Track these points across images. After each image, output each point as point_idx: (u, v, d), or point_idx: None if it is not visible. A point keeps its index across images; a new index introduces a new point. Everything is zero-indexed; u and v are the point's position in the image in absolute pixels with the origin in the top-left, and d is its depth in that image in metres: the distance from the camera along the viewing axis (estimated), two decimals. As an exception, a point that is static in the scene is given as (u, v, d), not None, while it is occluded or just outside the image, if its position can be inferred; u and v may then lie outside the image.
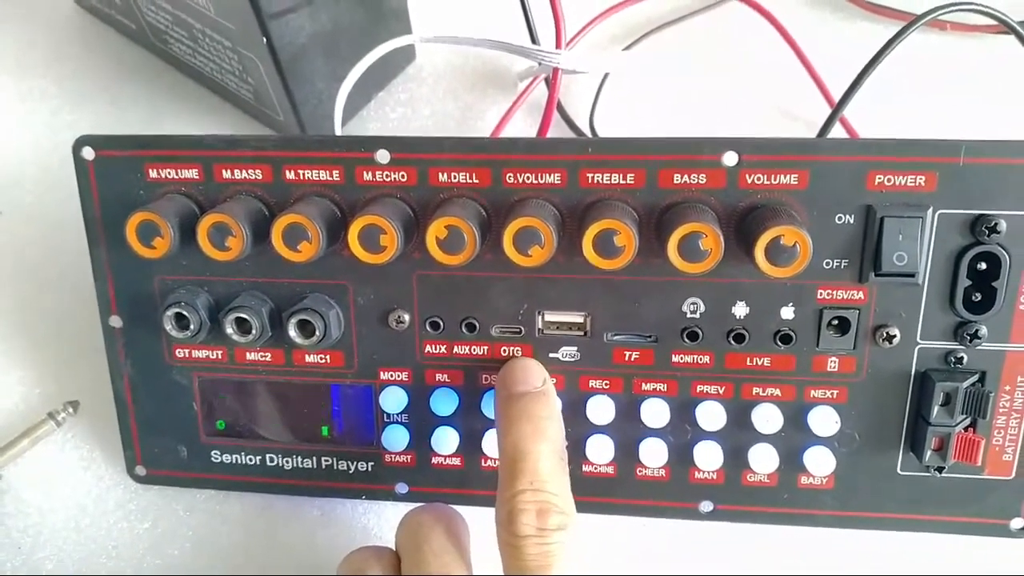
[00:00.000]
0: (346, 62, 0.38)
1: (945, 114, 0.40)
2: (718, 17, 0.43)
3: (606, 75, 0.42)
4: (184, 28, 0.40)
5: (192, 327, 0.32)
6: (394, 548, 0.31)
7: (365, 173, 0.30)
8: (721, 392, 0.31)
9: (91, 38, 0.45)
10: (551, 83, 0.38)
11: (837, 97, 0.38)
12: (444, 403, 0.33)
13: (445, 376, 0.33)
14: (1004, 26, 0.36)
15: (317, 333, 0.31)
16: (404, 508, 0.35)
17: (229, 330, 0.31)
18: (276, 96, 0.39)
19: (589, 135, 0.41)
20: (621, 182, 0.29)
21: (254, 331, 0.31)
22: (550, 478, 0.28)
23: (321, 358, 0.33)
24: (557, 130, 0.42)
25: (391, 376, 0.33)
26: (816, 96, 0.40)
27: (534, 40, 0.38)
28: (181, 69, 0.44)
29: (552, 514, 0.27)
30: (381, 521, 0.36)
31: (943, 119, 0.40)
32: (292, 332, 0.31)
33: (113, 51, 0.45)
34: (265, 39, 0.35)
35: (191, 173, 0.31)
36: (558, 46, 0.37)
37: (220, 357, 0.33)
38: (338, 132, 0.37)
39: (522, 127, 0.42)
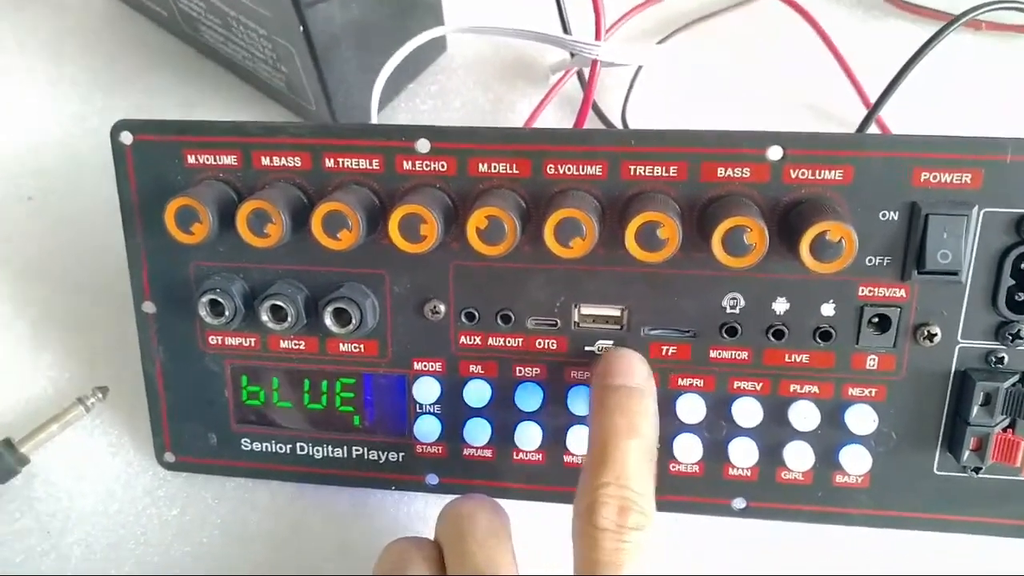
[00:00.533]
0: (377, 52, 0.38)
1: (980, 114, 0.40)
2: (752, 13, 0.43)
3: (639, 69, 0.42)
4: (218, 15, 0.40)
5: (227, 314, 0.32)
6: (434, 539, 0.31)
7: (405, 162, 0.30)
8: (758, 388, 0.31)
9: (123, 26, 0.45)
10: (589, 75, 0.37)
11: (872, 96, 0.38)
12: (477, 395, 0.32)
13: (479, 368, 0.32)
14: (1045, 25, 0.36)
15: (353, 322, 0.31)
16: (434, 499, 0.36)
17: (264, 317, 0.31)
18: (309, 85, 0.39)
19: (622, 128, 0.41)
20: (663, 174, 0.29)
21: (289, 319, 0.31)
22: (636, 476, 0.27)
23: (355, 347, 0.33)
24: (589, 123, 0.42)
25: (425, 366, 0.33)
26: (850, 94, 0.40)
27: (567, 32, 0.38)
28: (213, 57, 0.44)
29: (633, 512, 0.26)
30: (411, 512, 0.36)
31: (978, 119, 0.40)
32: (328, 320, 0.31)
33: (145, 39, 0.45)
34: (302, 27, 0.35)
35: (230, 159, 0.31)
36: (597, 38, 0.36)
37: (253, 344, 0.33)
38: (374, 121, 0.37)
39: (553, 120, 0.42)
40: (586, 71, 0.39)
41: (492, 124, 0.42)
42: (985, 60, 0.41)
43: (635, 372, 0.30)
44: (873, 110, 0.37)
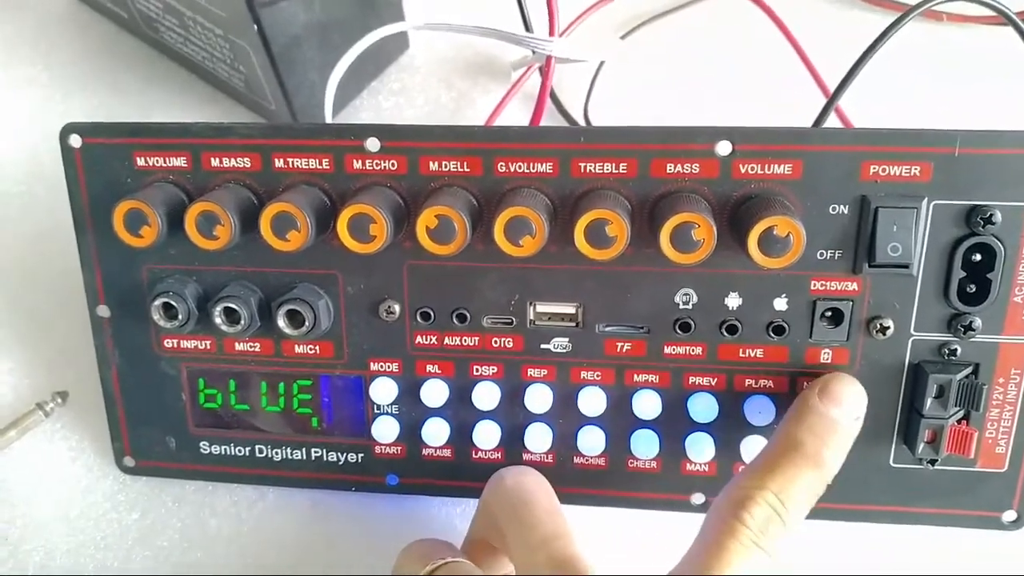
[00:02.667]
0: (339, 51, 0.38)
1: (942, 104, 0.40)
2: (715, 7, 0.43)
3: (601, 64, 0.42)
4: (175, 16, 0.39)
5: (180, 317, 0.31)
6: (478, 514, 0.31)
7: (355, 161, 0.30)
8: (713, 384, 0.31)
9: (83, 26, 0.45)
10: (544, 72, 0.37)
11: (833, 87, 0.37)
12: (435, 394, 0.32)
13: (436, 367, 0.32)
14: (1002, 17, 0.36)
15: (306, 323, 0.31)
16: (395, 499, 0.35)
17: (217, 320, 0.31)
18: (268, 85, 0.38)
19: (583, 124, 0.41)
20: (614, 171, 0.29)
21: (243, 321, 0.31)
22: (797, 500, 0.27)
23: (311, 348, 0.33)
24: (551, 119, 0.42)
25: (381, 367, 0.32)
26: (812, 86, 0.40)
27: (528, 28, 0.38)
28: (173, 58, 0.44)
29: (777, 526, 0.26)
30: (372, 513, 0.36)
31: (940, 109, 0.40)
32: (281, 322, 0.31)
33: (105, 39, 0.45)
34: (256, 26, 0.35)
35: (179, 161, 0.31)
36: (551, 34, 0.36)
37: (209, 347, 0.33)
38: (329, 121, 0.36)
39: (516, 116, 0.42)
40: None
41: (455, 121, 0.42)
42: (947, 50, 0.41)
43: (849, 405, 0.29)
44: (831, 101, 0.37)
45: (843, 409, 0.29)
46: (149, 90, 0.43)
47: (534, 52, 0.38)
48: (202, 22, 0.38)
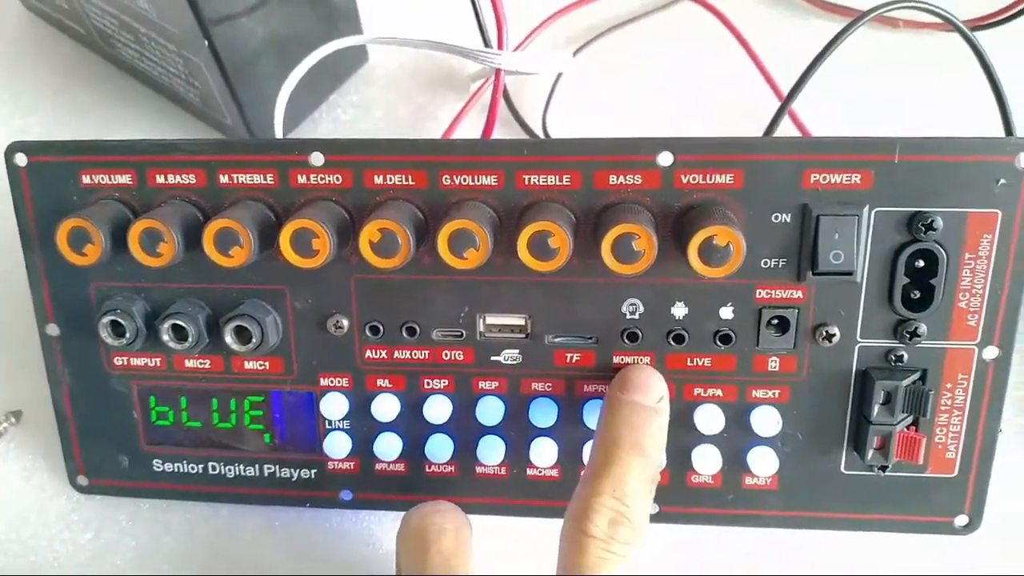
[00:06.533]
0: (295, 65, 0.37)
1: (895, 108, 0.40)
2: (672, 17, 0.43)
3: (559, 76, 0.42)
4: (129, 32, 0.39)
5: (128, 335, 0.31)
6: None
7: (299, 176, 0.30)
8: (663, 393, 0.31)
9: (41, 43, 0.45)
10: (495, 84, 0.37)
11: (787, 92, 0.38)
12: (386, 409, 0.32)
13: (386, 381, 0.32)
14: (949, 24, 0.36)
15: (254, 340, 0.31)
16: (350, 514, 0.35)
17: (165, 337, 0.31)
18: (222, 99, 0.38)
19: (542, 136, 0.41)
20: (558, 183, 0.29)
21: (190, 338, 0.31)
22: (633, 492, 0.27)
23: (260, 364, 0.32)
24: (510, 130, 0.42)
25: (331, 382, 0.32)
26: (769, 94, 0.40)
27: (486, 41, 0.38)
28: (131, 73, 0.44)
29: (624, 527, 0.26)
30: (328, 528, 0.35)
31: (893, 114, 0.40)
32: (229, 339, 0.31)
33: (64, 56, 0.45)
34: (207, 42, 0.35)
35: (125, 179, 0.31)
36: (500, 47, 0.36)
37: (159, 365, 0.33)
38: (279, 134, 0.36)
39: (475, 128, 0.42)
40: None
41: (414, 133, 0.42)
42: (902, 55, 0.41)
43: (651, 390, 0.29)
44: (784, 105, 0.37)
45: (645, 394, 0.29)
46: (107, 106, 0.43)
47: (484, 65, 0.38)
48: (156, 38, 0.38)
